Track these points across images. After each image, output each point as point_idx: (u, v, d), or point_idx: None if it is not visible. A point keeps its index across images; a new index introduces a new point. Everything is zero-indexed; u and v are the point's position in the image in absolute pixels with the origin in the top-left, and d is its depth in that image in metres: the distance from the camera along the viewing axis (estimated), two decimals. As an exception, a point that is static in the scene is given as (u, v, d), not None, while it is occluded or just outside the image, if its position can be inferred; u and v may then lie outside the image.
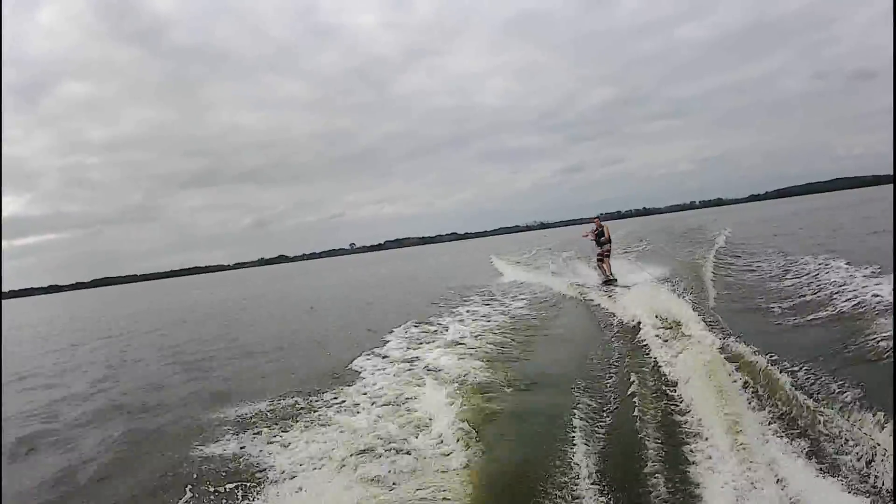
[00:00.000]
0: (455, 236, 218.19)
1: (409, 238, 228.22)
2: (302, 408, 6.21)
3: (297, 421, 5.73)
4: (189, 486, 4.52)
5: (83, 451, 6.03)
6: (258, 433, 5.55)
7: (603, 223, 14.04)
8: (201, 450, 5.36)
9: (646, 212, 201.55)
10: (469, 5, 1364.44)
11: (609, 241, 13.86)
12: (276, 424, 5.73)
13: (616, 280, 13.39)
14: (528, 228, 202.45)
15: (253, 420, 6.05)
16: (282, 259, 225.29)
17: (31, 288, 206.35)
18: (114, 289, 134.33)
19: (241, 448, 5.24)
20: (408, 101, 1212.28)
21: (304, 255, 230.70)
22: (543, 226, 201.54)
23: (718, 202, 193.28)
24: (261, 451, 5.06)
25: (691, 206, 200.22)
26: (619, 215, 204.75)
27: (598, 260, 14.05)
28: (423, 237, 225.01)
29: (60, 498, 4.92)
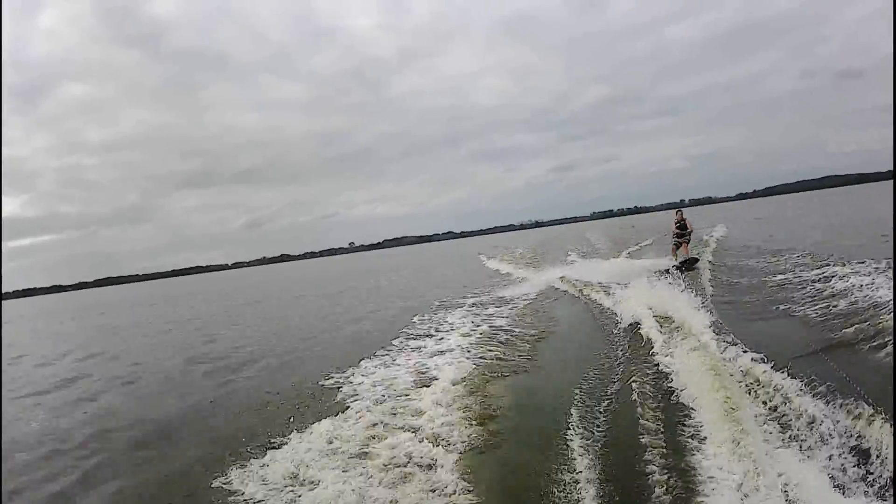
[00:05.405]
0: (451, 235, 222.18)
1: (406, 237, 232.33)
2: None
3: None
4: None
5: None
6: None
7: (684, 216, 14.98)
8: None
9: (637, 210, 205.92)
10: (464, 7, 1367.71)
11: (689, 231, 14.80)
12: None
13: (682, 267, 13.87)
14: (523, 227, 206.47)
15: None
16: (284, 258, 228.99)
17: (34, 288, 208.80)
18: (141, 286, 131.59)
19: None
20: (402, 102, 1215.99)
21: (305, 253, 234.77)
22: (538, 224, 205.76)
23: (708, 200, 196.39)
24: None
25: (681, 204, 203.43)
26: (611, 214, 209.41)
27: (676, 245, 14.83)
28: (420, 236, 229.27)
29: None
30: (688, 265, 14.06)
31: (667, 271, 13.22)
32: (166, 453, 5.69)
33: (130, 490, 4.83)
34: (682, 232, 14.64)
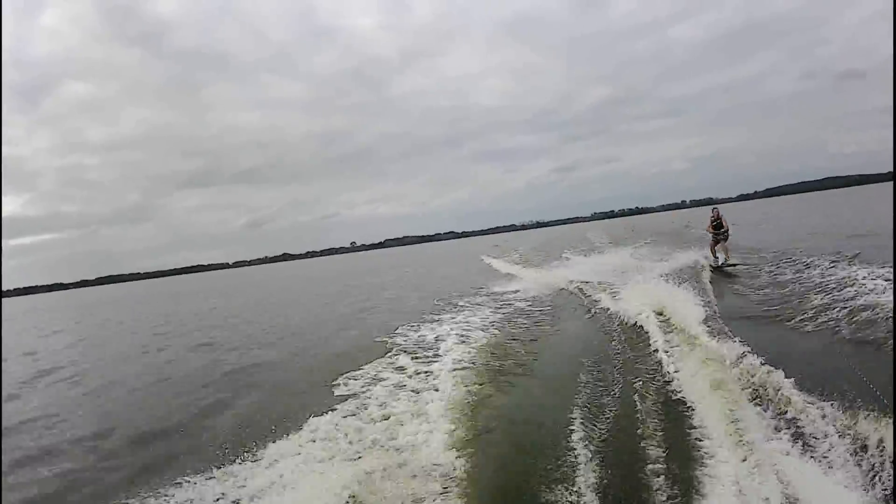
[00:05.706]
0: (453, 235, 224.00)
1: (408, 237, 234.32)
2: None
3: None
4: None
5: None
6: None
7: (721, 214, 14.76)
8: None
9: (639, 210, 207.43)
10: (465, 7, 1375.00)
11: (725, 230, 14.53)
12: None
13: (721, 266, 13.93)
14: (524, 227, 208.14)
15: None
16: (286, 257, 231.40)
17: (35, 286, 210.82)
18: (143, 284, 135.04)
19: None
20: (404, 102, 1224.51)
21: (307, 253, 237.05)
22: (539, 224, 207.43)
23: (709, 201, 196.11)
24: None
25: (682, 205, 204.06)
26: (612, 214, 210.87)
27: (714, 242, 14.67)
28: (421, 236, 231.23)
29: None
30: (724, 268, 13.76)
31: (709, 268, 13.83)
32: (285, 376, 8.12)
33: (265, 401, 6.90)
34: (718, 231, 14.52)
